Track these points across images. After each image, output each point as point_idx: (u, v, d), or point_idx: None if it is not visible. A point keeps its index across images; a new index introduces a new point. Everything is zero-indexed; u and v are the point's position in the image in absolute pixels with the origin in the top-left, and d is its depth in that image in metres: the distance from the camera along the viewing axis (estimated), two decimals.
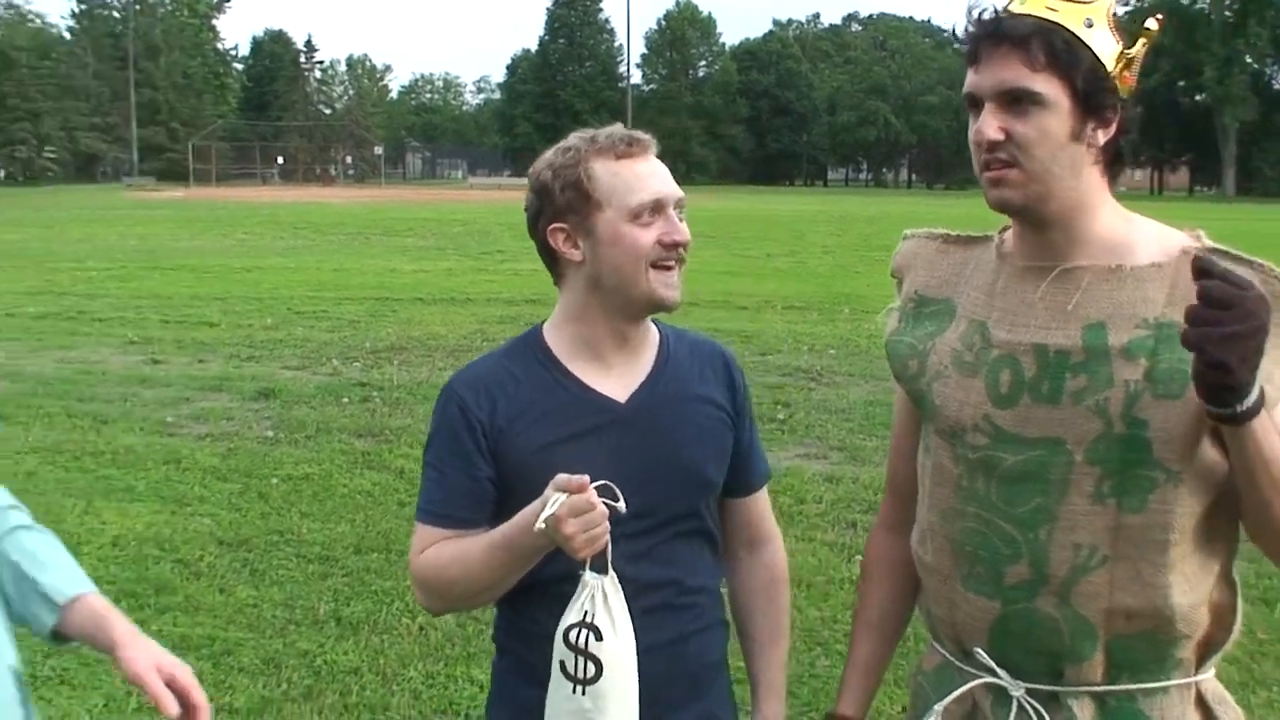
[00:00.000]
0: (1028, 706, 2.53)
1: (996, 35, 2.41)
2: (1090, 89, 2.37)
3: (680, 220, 2.80)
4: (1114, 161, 2.48)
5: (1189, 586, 2.42)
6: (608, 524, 2.57)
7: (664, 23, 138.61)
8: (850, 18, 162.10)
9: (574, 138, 2.86)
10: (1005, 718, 2.56)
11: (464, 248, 32.60)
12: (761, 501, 3.09)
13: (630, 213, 2.75)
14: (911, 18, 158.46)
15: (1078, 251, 2.46)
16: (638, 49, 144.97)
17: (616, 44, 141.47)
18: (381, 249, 32.50)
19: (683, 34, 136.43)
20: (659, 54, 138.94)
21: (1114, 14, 2.41)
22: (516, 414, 2.85)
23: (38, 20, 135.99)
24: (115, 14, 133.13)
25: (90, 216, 46.59)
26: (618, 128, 2.86)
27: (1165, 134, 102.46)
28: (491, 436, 2.84)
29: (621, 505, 2.59)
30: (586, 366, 2.87)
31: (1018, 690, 2.54)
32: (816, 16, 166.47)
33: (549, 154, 2.88)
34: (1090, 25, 2.37)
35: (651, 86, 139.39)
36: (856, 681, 2.93)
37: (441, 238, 36.65)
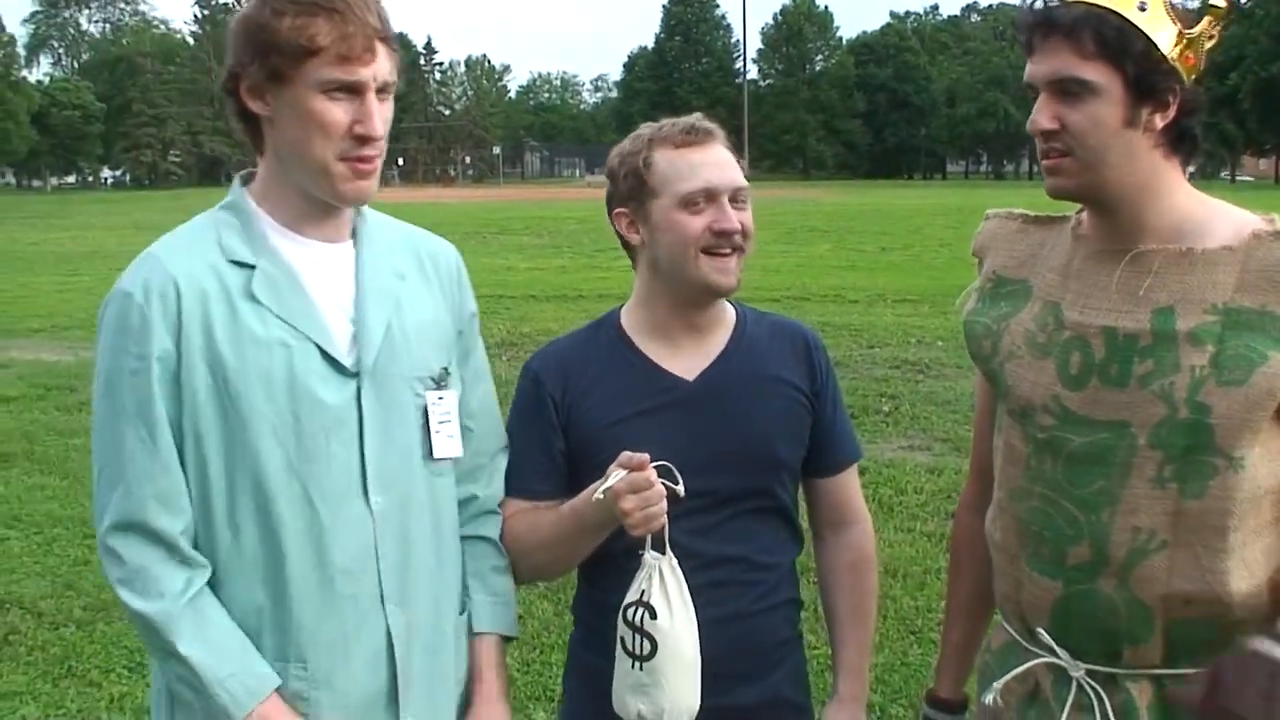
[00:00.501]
0: (1087, 687, 2.54)
1: (1047, 24, 2.42)
2: (1143, 74, 2.35)
3: (739, 209, 2.83)
4: (1179, 143, 2.45)
5: (1248, 572, 2.41)
6: (664, 504, 2.63)
7: (780, 17, 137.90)
8: (969, 8, 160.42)
9: (645, 127, 2.94)
10: (1065, 698, 2.58)
11: (578, 245, 32.71)
12: (846, 482, 3.10)
13: (681, 200, 2.81)
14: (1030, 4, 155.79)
15: (1148, 235, 2.46)
16: (754, 44, 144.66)
17: (733, 40, 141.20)
18: (497, 247, 32.70)
19: (799, 28, 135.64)
20: (775, 49, 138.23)
21: None
22: (587, 390, 2.93)
23: (162, 26, 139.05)
24: None
25: None
26: (688, 118, 2.91)
27: None
28: (563, 411, 2.93)
29: (680, 488, 2.66)
30: (656, 346, 2.94)
31: (1077, 671, 2.56)
32: (935, 8, 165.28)
33: (624, 142, 2.95)
34: (1143, 9, 2.36)
35: (768, 82, 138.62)
36: (952, 664, 3.01)
37: (557, 235, 36.83)
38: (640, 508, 2.63)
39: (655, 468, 2.64)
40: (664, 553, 2.71)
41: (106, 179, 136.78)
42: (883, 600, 6.78)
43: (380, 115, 2.47)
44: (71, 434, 11.39)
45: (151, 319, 2.42)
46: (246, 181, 2.63)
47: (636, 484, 2.63)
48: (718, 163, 2.86)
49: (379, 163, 2.52)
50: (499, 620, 2.85)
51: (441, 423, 2.66)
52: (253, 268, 2.50)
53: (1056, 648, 2.58)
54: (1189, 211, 2.47)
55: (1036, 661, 2.63)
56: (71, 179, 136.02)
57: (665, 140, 2.87)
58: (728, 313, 3.03)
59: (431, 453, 2.65)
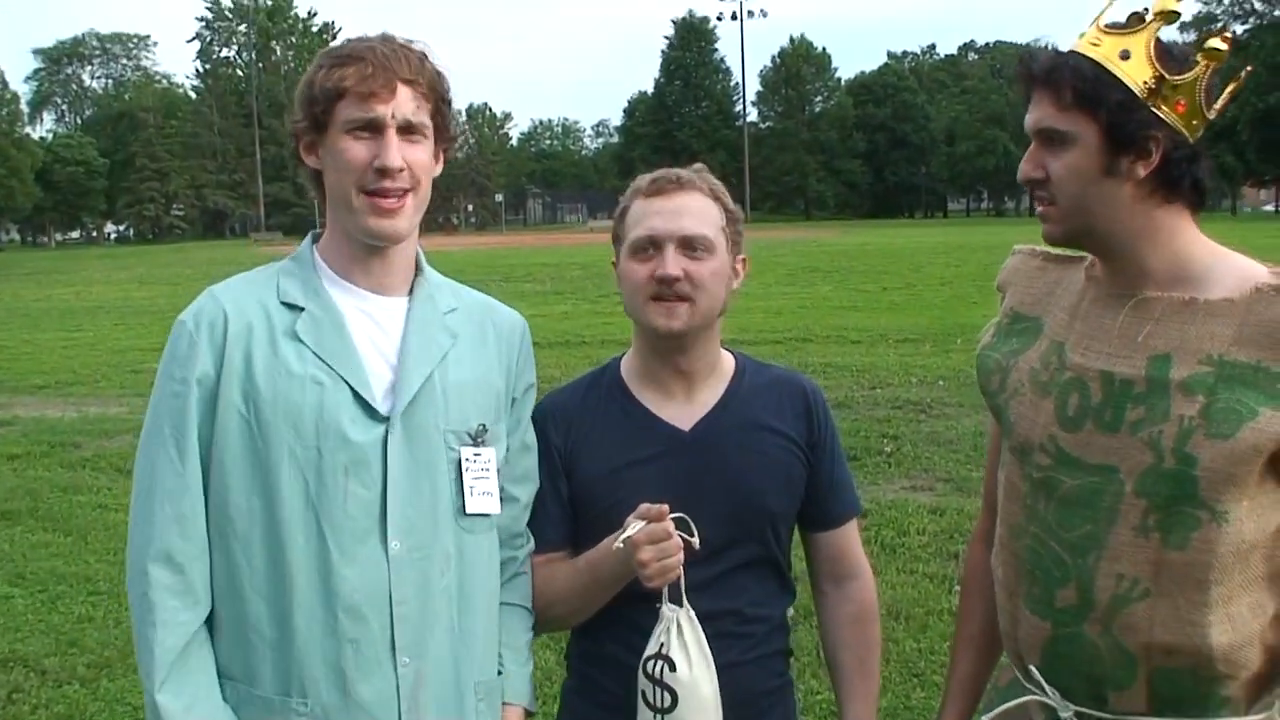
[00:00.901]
0: None
1: (1029, 77, 2.46)
2: (1119, 123, 2.36)
3: (691, 257, 2.85)
4: (1175, 190, 2.43)
5: (1231, 627, 2.40)
6: (681, 555, 2.67)
7: (778, 60, 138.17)
8: (966, 47, 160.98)
9: (642, 175, 3.01)
10: None
11: (581, 291, 32.71)
12: (845, 536, 3.10)
13: (630, 247, 2.89)
14: (1035, 43, 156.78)
15: (1150, 281, 2.46)
16: (753, 87, 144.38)
17: (732, 83, 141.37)
18: (500, 294, 31.55)
19: (798, 70, 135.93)
20: (774, 91, 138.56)
21: (1158, 41, 2.38)
22: (586, 438, 2.97)
23: (164, 81, 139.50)
24: (239, 72, 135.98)
25: (219, 274, 47.01)
26: (674, 169, 2.96)
27: None
28: (566, 459, 2.97)
29: (696, 541, 2.70)
30: (652, 394, 2.98)
31: (1066, 712, 2.57)
32: (932, 47, 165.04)
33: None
34: (1126, 57, 2.36)
35: (768, 124, 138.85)
36: (957, 699, 2.99)
37: (559, 281, 36.81)
38: (658, 559, 2.67)
39: (673, 519, 2.68)
40: (681, 604, 2.74)
41: (110, 234, 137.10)
42: (885, 643, 6.73)
43: (402, 151, 2.60)
44: (76, 491, 11.41)
45: (199, 344, 2.56)
46: (317, 239, 2.78)
47: (655, 535, 2.66)
48: (671, 211, 2.88)
49: (408, 201, 2.65)
50: (528, 694, 2.91)
51: (477, 479, 2.70)
52: (302, 310, 2.62)
53: (1046, 686, 2.59)
54: (1193, 258, 2.46)
55: (1029, 698, 2.64)
56: (76, 234, 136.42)
57: (639, 190, 2.95)
58: (725, 362, 3.05)
59: (465, 508, 2.68)
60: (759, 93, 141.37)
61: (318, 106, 2.58)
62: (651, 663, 2.74)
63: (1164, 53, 2.38)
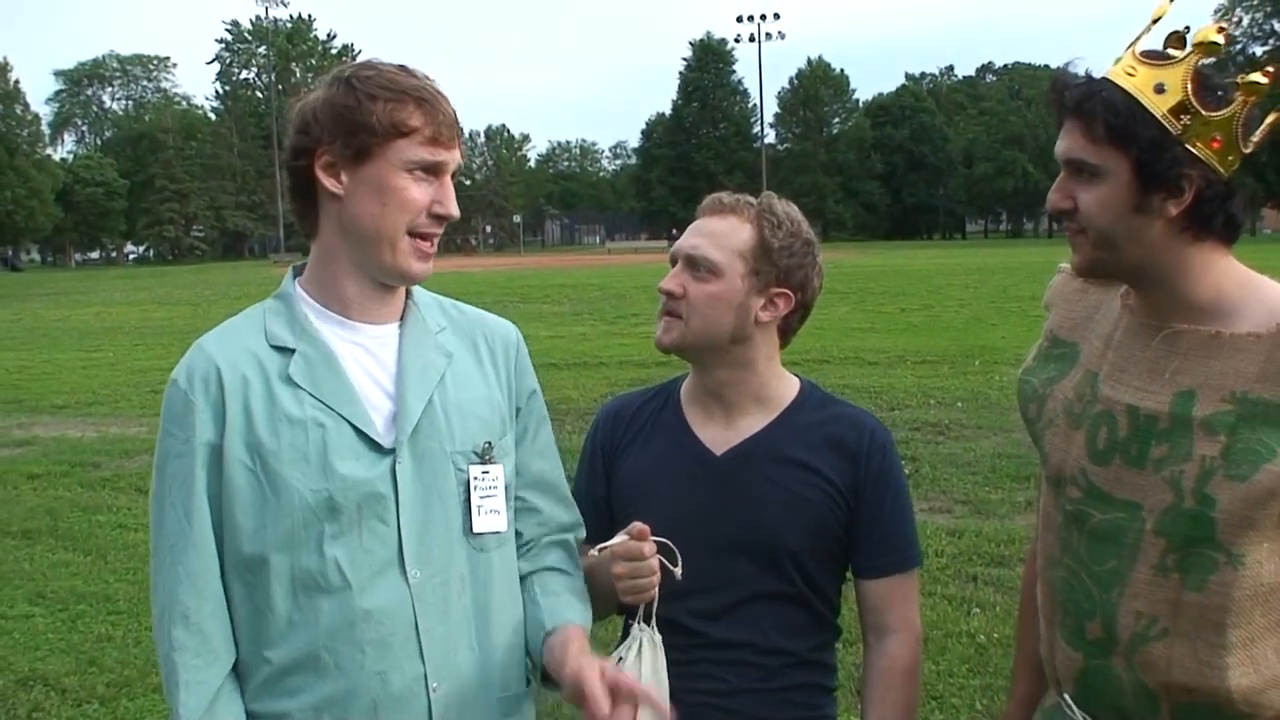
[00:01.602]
0: None
1: (1061, 104, 2.40)
2: (1151, 161, 2.30)
3: (697, 278, 2.90)
4: (1206, 227, 2.36)
5: (1253, 669, 2.37)
6: (656, 579, 2.67)
7: (796, 81, 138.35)
8: (984, 68, 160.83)
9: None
10: None
11: (599, 312, 32.75)
12: (889, 588, 2.99)
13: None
14: (1047, 65, 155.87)
15: (1180, 314, 2.41)
16: (771, 108, 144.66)
17: (750, 104, 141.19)
18: (518, 315, 32.33)
19: (816, 92, 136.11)
20: (792, 112, 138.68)
21: (1196, 74, 2.30)
22: (629, 444, 3.03)
23: (184, 102, 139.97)
24: (259, 94, 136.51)
25: (237, 294, 47.51)
26: (724, 194, 3.02)
27: None
28: (608, 459, 3.02)
29: (678, 571, 2.69)
30: (699, 415, 3.00)
31: None
32: (950, 69, 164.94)
33: None
34: (1161, 90, 2.29)
35: (786, 145, 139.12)
36: (1015, 719, 2.98)
37: (578, 303, 36.84)
38: (630, 576, 2.68)
39: (657, 543, 2.69)
40: (650, 625, 2.75)
41: (130, 255, 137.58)
42: None
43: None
44: (95, 510, 11.44)
45: (195, 404, 2.54)
46: (299, 273, 2.75)
47: (630, 552, 2.68)
48: (695, 230, 2.97)
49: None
50: (574, 617, 2.79)
51: (485, 497, 2.69)
52: (293, 351, 2.60)
53: (1078, 714, 2.59)
54: (1224, 292, 2.40)
55: None
56: (95, 255, 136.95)
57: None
58: (782, 392, 3.02)
59: (472, 527, 2.68)
60: (777, 114, 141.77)
61: (369, 137, 2.53)
62: None
63: (1201, 88, 2.30)
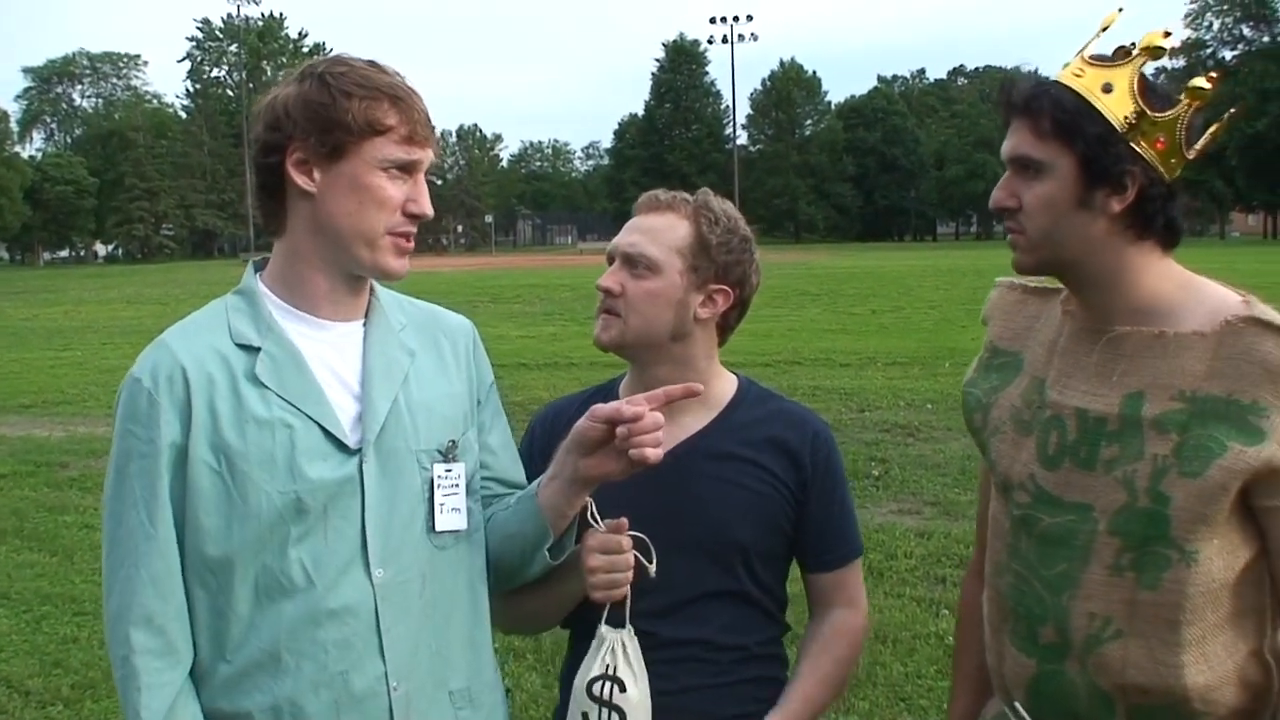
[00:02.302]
0: None
1: (1010, 104, 2.45)
2: (1096, 156, 2.34)
3: (635, 274, 2.89)
4: (1148, 228, 2.41)
5: (1207, 666, 2.39)
6: (630, 575, 2.66)
7: (769, 83, 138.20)
8: (956, 71, 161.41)
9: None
10: None
11: (570, 312, 32.72)
12: (835, 579, 3.04)
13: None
14: (1018, 68, 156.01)
15: (1121, 316, 2.45)
16: (743, 110, 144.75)
17: (722, 106, 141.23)
18: (489, 316, 32.59)
19: (788, 94, 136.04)
20: (765, 114, 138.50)
21: (1142, 76, 2.36)
22: None
23: (154, 100, 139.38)
24: (230, 92, 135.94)
25: (206, 293, 46.76)
26: (660, 191, 3.00)
27: (1277, 177, 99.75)
28: (545, 464, 2.91)
29: (652, 568, 2.69)
30: None
31: None
32: (922, 72, 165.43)
33: None
34: (1108, 90, 2.35)
35: (758, 147, 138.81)
36: None
37: (549, 303, 36.83)
38: (606, 570, 2.68)
39: (632, 537, 2.68)
40: (624, 626, 2.74)
41: (99, 253, 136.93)
42: (872, 667, 6.78)
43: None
44: (62, 510, 11.40)
45: (160, 404, 2.51)
46: (260, 268, 2.72)
47: (608, 545, 2.68)
48: (632, 227, 2.96)
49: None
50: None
51: (447, 495, 2.68)
52: (258, 350, 2.57)
53: None
54: (1163, 293, 2.45)
55: None
56: (65, 253, 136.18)
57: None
58: (721, 389, 3.03)
59: (434, 526, 2.67)
60: (749, 116, 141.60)
61: (344, 134, 2.52)
62: (599, 684, 2.73)
63: (1147, 89, 2.37)
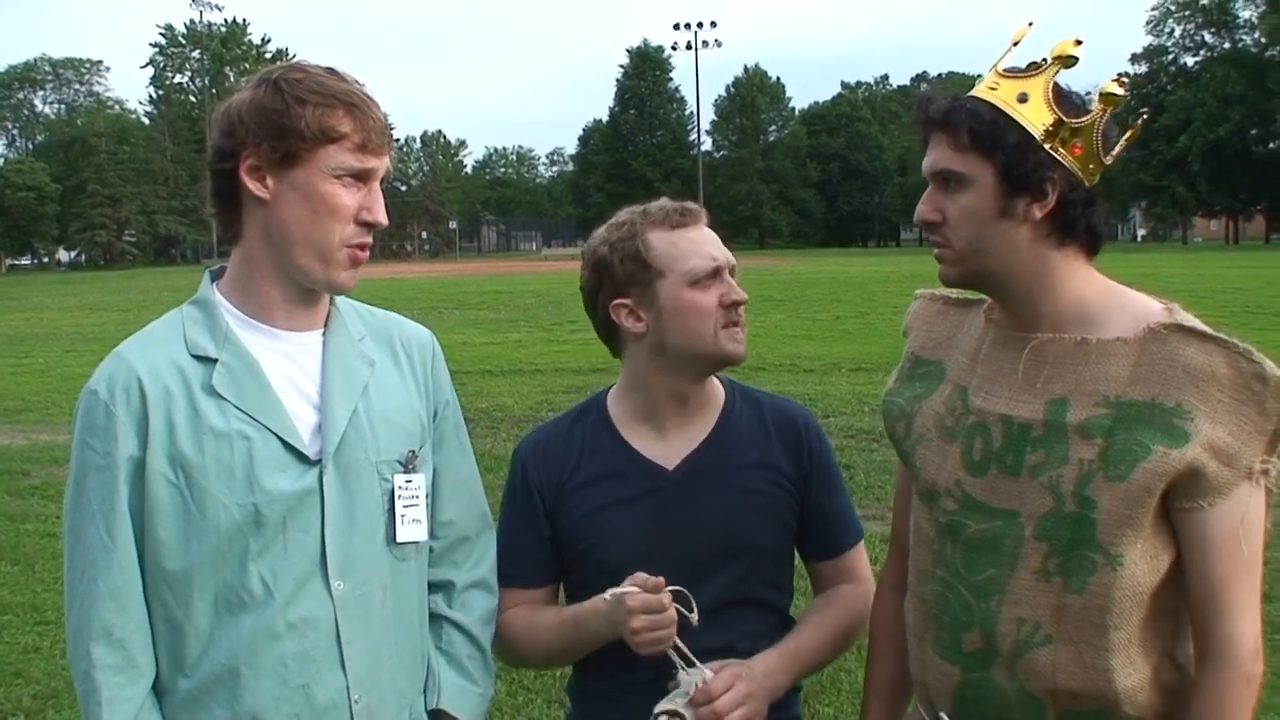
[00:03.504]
0: None
1: (927, 120, 2.48)
2: (1014, 165, 2.37)
3: (734, 280, 2.89)
4: (1070, 233, 2.44)
5: (1134, 670, 2.41)
6: (674, 629, 2.66)
7: (733, 89, 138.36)
8: (919, 78, 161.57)
9: (625, 213, 2.96)
10: None
11: (535, 319, 32.69)
12: (846, 561, 3.06)
13: (690, 278, 2.84)
14: (981, 75, 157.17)
15: (1045, 323, 2.48)
16: (707, 116, 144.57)
17: (687, 112, 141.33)
18: (454, 322, 32.54)
19: (752, 100, 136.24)
20: (729, 120, 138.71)
21: (1056, 85, 2.40)
22: (570, 478, 2.96)
23: (117, 106, 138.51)
24: (192, 98, 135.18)
25: (170, 299, 46.81)
26: (665, 201, 2.94)
27: (1239, 183, 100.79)
28: (549, 500, 2.96)
29: (694, 617, 2.68)
30: (642, 432, 2.96)
31: None
32: (885, 78, 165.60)
33: (601, 231, 2.97)
34: (1024, 100, 2.39)
35: (722, 153, 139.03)
36: None
37: (514, 309, 36.75)
38: (649, 629, 2.66)
39: (671, 592, 2.67)
40: (694, 665, 2.71)
41: (62, 260, 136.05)
42: (838, 673, 6.77)
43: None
44: (23, 519, 11.32)
45: (117, 416, 2.50)
46: (216, 277, 2.69)
47: (650, 606, 2.66)
48: (714, 240, 2.93)
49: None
50: (465, 707, 2.83)
51: (408, 506, 2.68)
52: (215, 361, 2.55)
53: None
54: (1087, 300, 2.48)
55: None
56: (26, 260, 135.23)
57: (658, 222, 2.91)
58: (717, 392, 3.04)
59: (395, 537, 2.66)
60: (713, 122, 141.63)
61: (297, 141, 2.50)
62: (665, 718, 2.70)
63: (1061, 96, 2.41)
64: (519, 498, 3.02)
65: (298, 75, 2.55)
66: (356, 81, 2.60)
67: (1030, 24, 2.52)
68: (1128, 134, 2.49)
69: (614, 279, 2.92)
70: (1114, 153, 2.45)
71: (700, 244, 2.89)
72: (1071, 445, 2.38)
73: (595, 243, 2.97)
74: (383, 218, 2.58)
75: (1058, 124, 2.37)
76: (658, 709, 2.69)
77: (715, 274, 2.88)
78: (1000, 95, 2.41)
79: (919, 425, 2.66)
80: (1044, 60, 2.43)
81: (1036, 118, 2.38)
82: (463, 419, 2.96)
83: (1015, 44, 2.51)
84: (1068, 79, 2.45)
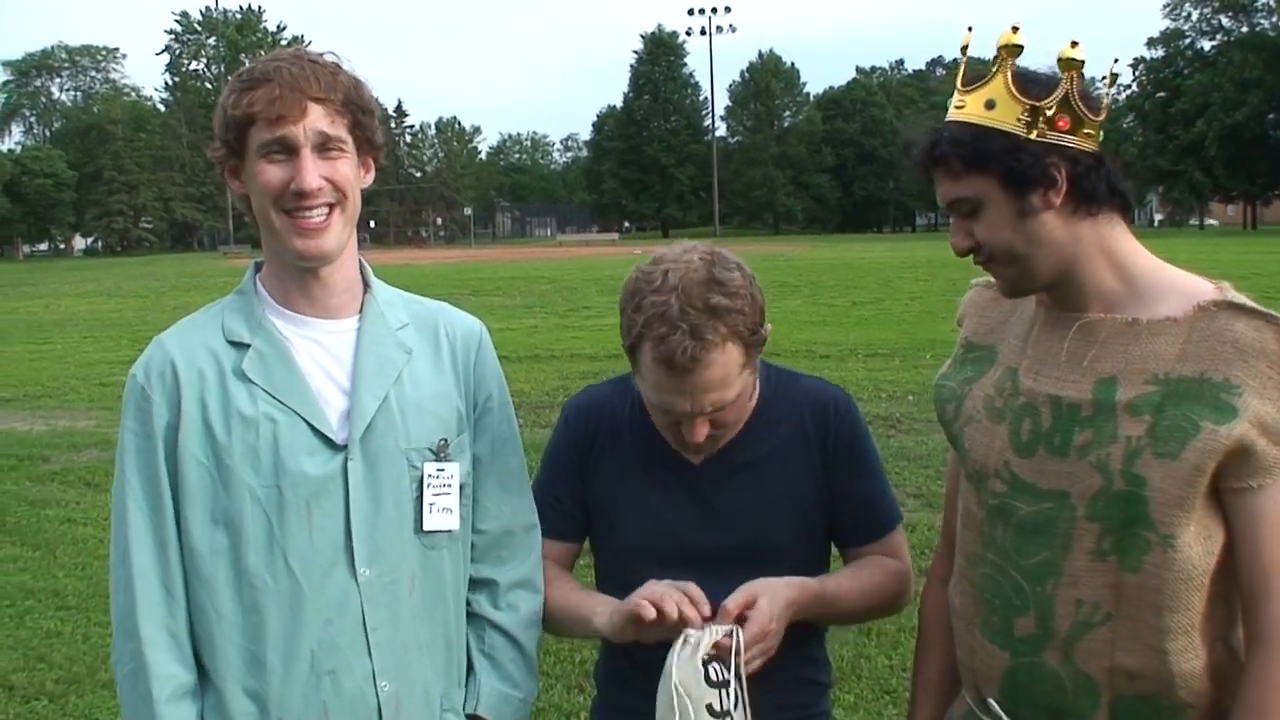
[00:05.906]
0: None
1: (919, 164, 2.51)
2: (1012, 168, 2.39)
3: (719, 415, 2.77)
4: (1093, 201, 2.43)
5: (1193, 654, 2.40)
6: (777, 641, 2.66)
7: (747, 74, 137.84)
8: (934, 63, 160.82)
9: (648, 300, 2.68)
10: None
11: (550, 305, 32.65)
12: (885, 546, 3.01)
13: (652, 405, 2.83)
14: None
15: (1093, 301, 2.48)
16: (722, 101, 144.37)
17: (701, 97, 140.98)
18: (469, 308, 31.57)
19: (766, 85, 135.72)
20: (743, 105, 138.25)
21: (1014, 74, 2.42)
22: (609, 445, 2.97)
23: (133, 93, 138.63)
24: (208, 85, 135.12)
25: (187, 285, 47.20)
26: (675, 335, 2.64)
27: (1256, 168, 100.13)
28: (583, 456, 2.97)
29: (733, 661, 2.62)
30: None
31: None
32: (900, 63, 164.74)
33: (629, 294, 2.75)
34: (991, 106, 2.41)
35: (737, 138, 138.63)
36: None
37: (529, 295, 36.70)
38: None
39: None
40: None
41: (78, 246, 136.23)
42: (857, 660, 6.79)
43: (321, 169, 2.56)
44: (44, 505, 11.37)
45: (152, 396, 2.55)
46: (259, 270, 2.74)
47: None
48: (690, 391, 2.71)
49: (334, 219, 2.60)
50: (505, 712, 2.83)
51: (438, 495, 2.68)
52: (248, 346, 2.59)
53: (1005, 718, 2.59)
54: (1132, 278, 2.49)
55: None
56: (44, 247, 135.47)
57: (649, 344, 2.69)
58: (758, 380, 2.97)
59: (423, 525, 2.66)
60: (728, 107, 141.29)
61: (231, 133, 2.55)
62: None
63: (1026, 83, 2.42)
64: (561, 452, 3.03)
65: (245, 67, 2.60)
66: (309, 57, 2.58)
67: (970, 28, 2.53)
68: (1105, 78, 2.53)
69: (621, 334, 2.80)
70: (1105, 104, 2.47)
71: (674, 396, 2.72)
72: (1119, 423, 2.38)
73: (624, 297, 2.76)
74: (306, 183, 2.52)
75: (1032, 110, 2.39)
76: (700, 657, 2.61)
77: (675, 421, 2.80)
78: (969, 111, 2.45)
79: (968, 407, 2.67)
80: (995, 57, 2.45)
81: (1009, 115, 2.40)
82: (513, 413, 2.93)
83: (964, 50, 2.57)
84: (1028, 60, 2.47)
